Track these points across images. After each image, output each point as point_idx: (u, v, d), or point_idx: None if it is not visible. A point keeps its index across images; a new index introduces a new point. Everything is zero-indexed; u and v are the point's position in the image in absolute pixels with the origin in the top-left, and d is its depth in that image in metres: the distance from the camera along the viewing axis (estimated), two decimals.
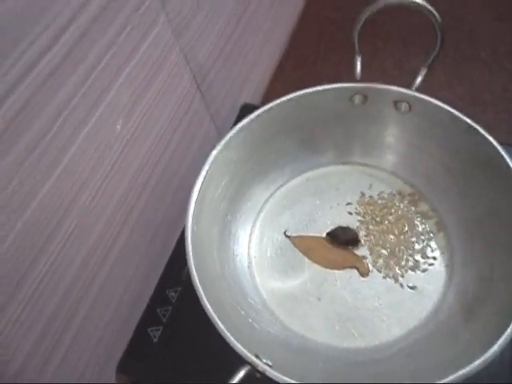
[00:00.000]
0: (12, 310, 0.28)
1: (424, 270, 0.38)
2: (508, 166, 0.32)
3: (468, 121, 0.34)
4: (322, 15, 0.72)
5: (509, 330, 0.26)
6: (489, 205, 0.35)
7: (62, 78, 0.28)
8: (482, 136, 0.33)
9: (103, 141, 0.33)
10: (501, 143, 0.41)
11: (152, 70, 0.37)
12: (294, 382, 0.27)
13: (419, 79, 0.37)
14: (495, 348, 0.25)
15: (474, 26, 0.63)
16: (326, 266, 0.39)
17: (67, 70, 0.28)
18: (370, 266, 0.38)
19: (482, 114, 0.55)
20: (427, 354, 0.32)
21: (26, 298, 0.29)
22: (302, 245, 0.41)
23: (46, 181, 0.29)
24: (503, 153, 0.32)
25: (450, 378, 0.25)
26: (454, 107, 0.57)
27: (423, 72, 0.37)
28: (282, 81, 0.65)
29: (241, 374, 0.27)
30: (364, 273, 0.38)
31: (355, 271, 0.38)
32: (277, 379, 0.27)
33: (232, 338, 0.28)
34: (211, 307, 0.30)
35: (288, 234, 0.41)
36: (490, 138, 0.33)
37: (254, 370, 0.28)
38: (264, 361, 0.29)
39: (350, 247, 0.39)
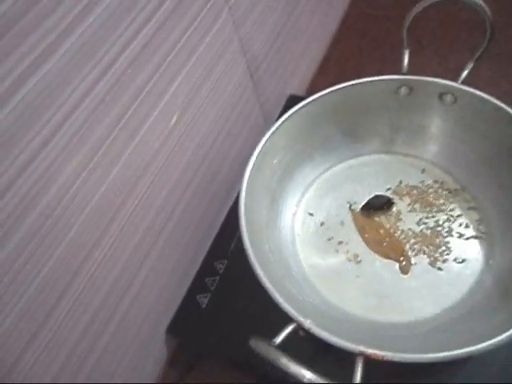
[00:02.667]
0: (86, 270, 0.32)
1: (461, 255, 0.39)
2: None
3: (510, 111, 0.36)
4: (366, 13, 0.74)
5: None
6: None
7: (136, 70, 0.31)
8: None
9: (162, 132, 0.37)
10: None
11: (213, 61, 0.41)
12: (339, 339, 0.29)
13: (465, 73, 0.39)
14: None
15: None
16: (372, 249, 0.41)
17: (143, 60, 0.32)
18: (409, 250, 0.40)
19: None
20: (462, 331, 0.34)
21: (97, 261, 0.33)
22: (360, 221, 0.43)
23: (111, 172, 0.32)
24: None
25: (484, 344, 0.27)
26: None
27: (470, 66, 0.39)
28: (325, 75, 0.68)
29: (287, 331, 0.30)
30: (404, 271, 0.39)
31: None
32: (323, 337, 0.30)
33: (281, 298, 0.31)
34: (262, 272, 0.33)
35: (352, 208, 0.44)
36: None
37: (299, 328, 0.31)
38: (308, 321, 0.32)
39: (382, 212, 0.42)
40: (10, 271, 0.26)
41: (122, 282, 0.36)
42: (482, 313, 0.35)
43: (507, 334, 0.28)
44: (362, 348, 0.29)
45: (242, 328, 0.41)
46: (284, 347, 0.30)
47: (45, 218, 0.27)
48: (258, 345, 0.26)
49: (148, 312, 0.41)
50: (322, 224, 0.44)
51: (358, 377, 0.27)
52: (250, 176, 0.38)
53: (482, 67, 0.60)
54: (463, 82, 0.39)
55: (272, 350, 0.25)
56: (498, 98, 0.57)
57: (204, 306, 0.43)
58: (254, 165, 0.39)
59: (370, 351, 0.28)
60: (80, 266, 0.31)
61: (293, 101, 0.43)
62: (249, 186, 0.38)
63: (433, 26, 0.67)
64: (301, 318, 0.31)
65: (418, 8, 0.37)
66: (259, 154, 0.39)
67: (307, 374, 0.24)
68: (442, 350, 0.30)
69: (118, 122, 0.31)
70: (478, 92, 0.38)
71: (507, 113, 0.36)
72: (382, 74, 0.42)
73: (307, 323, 0.30)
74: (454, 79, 0.39)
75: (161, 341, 0.44)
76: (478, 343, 0.28)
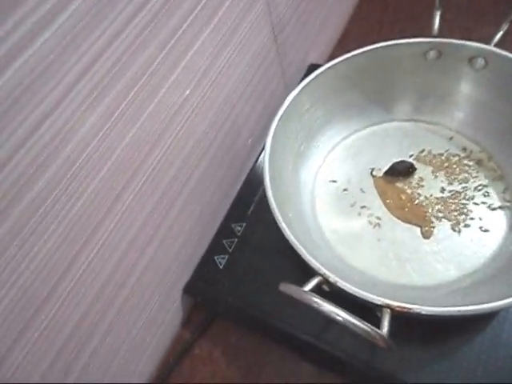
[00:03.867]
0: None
1: (484, 222, 0.39)
2: None
3: None
4: None
5: None
6: None
7: (158, 25, 0.31)
8: None
9: (186, 89, 0.36)
10: None
11: (237, 19, 0.40)
12: (365, 292, 0.29)
13: (499, 35, 0.38)
14: None
15: None
16: (394, 214, 0.41)
17: (160, 23, 0.31)
18: (431, 216, 0.40)
19: None
20: (484, 292, 0.34)
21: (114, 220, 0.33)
22: (381, 186, 0.42)
23: (123, 140, 0.31)
24: None
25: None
26: None
27: (504, 27, 0.38)
28: (345, 48, 0.66)
29: (315, 280, 0.30)
30: (426, 236, 0.39)
31: None
32: (348, 290, 0.30)
33: (305, 251, 0.31)
34: (288, 228, 0.33)
35: (374, 173, 0.43)
36: None
37: (324, 281, 0.31)
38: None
39: (405, 177, 0.42)
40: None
41: (140, 241, 0.36)
42: (504, 278, 0.35)
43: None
44: (388, 300, 0.29)
45: (259, 289, 0.41)
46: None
47: (65, 171, 0.27)
48: (290, 288, 0.25)
49: (165, 271, 0.41)
50: (343, 189, 0.43)
51: (385, 329, 0.27)
52: (273, 136, 0.38)
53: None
54: (496, 45, 0.38)
55: (304, 292, 0.25)
56: None
57: (222, 266, 0.43)
58: (277, 124, 0.38)
59: (396, 303, 0.28)
60: (99, 222, 0.31)
61: (313, 70, 0.43)
62: (273, 145, 0.38)
63: (456, 1, 0.66)
64: (326, 271, 0.31)
65: None
66: (283, 114, 0.38)
67: (342, 313, 0.24)
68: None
69: (141, 78, 0.31)
70: (510, 54, 0.37)
71: None
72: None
73: (333, 276, 0.30)
74: (486, 43, 0.38)
75: (177, 300, 0.44)
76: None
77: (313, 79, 0.40)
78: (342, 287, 0.30)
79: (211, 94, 0.40)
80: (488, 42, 0.39)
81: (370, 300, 0.29)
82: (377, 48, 0.41)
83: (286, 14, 0.48)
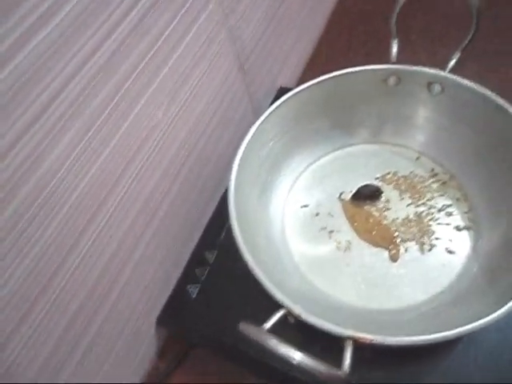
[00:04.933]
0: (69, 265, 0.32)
1: (449, 243, 0.40)
2: None
3: (498, 100, 0.36)
4: (355, 7, 0.74)
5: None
6: None
7: (119, 59, 0.31)
8: (510, 115, 0.35)
9: (150, 121, 0.36)
10: None
11: (201, 50, 0.40)
12: (328, 324, 0.29)
13: (452, 62, 0.39)
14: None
15: (508, 19, 0.64)
16: (362, 238, 0.41)
17: (124, 53, 0.31)
18: (398, 238, 0.41)
19: None
20: (451, 315, 0.35)
21: (81, 253, 0.32)
22: (349, 210, 0.43)
23: (94, 164, 0.31)
24: None
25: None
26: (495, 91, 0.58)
27: (457, 55, 0.39)
28: (315, 69, 0.68)
29: (278, 315, 0.30)
30: (394, 258, 0.40)
31: None
32: (312, 322, 0.30)
33: (269, 284, 0.31)
34: (253, 260, 0.33)
35: (342, 197, 0.44)
36: None
37: (289, 313, 0.31)
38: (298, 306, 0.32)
39: (371, 201, 0.42)
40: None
41: (110, 274, 0.36)
42: (469, 298, 0.35)
43: (492, 316, 0.28)
44: (350, 332, 0.29)
45: (231, 318, 0.40)
46: (274, 334, 0.30)
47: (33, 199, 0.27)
48: (248, 328, 0.25)
49: (137, 303, 0.41)
50: (312, 214, 0.44)
51: (347, 362, 0.28)
52: (239, 166, 0.38)
53: (470, 62, 0.61)
54: (451, 72, 0.40)
55: (261, 332, 0.25)
56: (495, 85, 0.57)
57: (194, 296, 0.43)
58: (242, 155, 0.39)
59: (358, 335, 0.28)
60: (65, 256, 0.31)
61: (283, 93, 0.43)
62: (238, 176, 0.38)
63: (421, 19, 0.68)
64: (290, 304, 0.31)
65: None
66: (247, 144, 0.39)
67: (297, 355, 0.24)
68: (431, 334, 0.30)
69: (102, 113, 0.31)
70: (464, 81, 0.38)
71: (493, 102, 0.37)
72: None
73: (296, 309, 0.30)
74: (442, 69, 0.40)
75: (151, 332, 0.44)
76: (465, 325, 0.29)
77: (277, 107, 0.41)
78: (305, 320, 0.30)
79: (179, 121, 0.40)
80: (444, 68, 0.40)
81: (332, 332, 0.29)
82: (338, 75, 0.42)
83: (251, 42, 0.49)
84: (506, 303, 0.29)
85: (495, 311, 0.29)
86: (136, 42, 0.32)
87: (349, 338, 0.29)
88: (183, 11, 0.36)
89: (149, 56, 0.34)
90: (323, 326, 0.29)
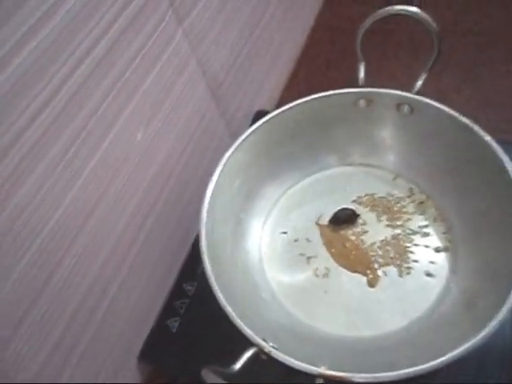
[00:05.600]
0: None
1: (427, 265, 0.39)
2: (502, 164, 0.33)
3: (465, 120, 0.36)
4: (334, 25, 0.75)
5: (500, 315, 0.27)
6: (487, 201, 0.36)
7: (88, 90, 0.32)
8: (478, 135, 0.35)
9: (123, 150, 0.36)
10: (504, 142, 0.42)
11: (169, 81, 0.41)
12: (298, 362, 0.29)
13: (419, 83, 0.39)
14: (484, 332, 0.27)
15: (482, 30, 0.64)
16: (339, 263, 0.41)
17: (94, 82, 0.32)
18: (376, 263, 0.40)
19: (492, 115, 0.56)
20: (429, 343, 0.34)
21: (54, 291, 0.32)
22: (326, 236, 0.43)
23: (68, 192, 0.32)
24: (497, 150, 0.34)
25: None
26: (461, 110, 0.58)
27: (423, 76, 0.39)
28: (295, 89, 0.68)
29: (247, 355, 0.29)
30: (372, 284, 0.39)
31: None
32: (282, 360, 0.29)
33: (240, 322, 0.31)
34: (223, 296, 0.33)
35: (319, 222, 0.44)
36: (486, 137, 0.35)
37: (260, 351, 0.30)
38: (271, 344, 0.31)
39: (349, 224, 0.42)
40: None
41: (86, 309, 0.35)
42: (447, 323, 0.35)
43: (466, 345, 0.28)
44: (321, 370, 0.28)
45: (212, 351, 0.40)
46: (250, 370, 0.29)
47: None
48: (208, 376, 0.25)
49: (116, 340, 0.40)
50: (289, 241, 0.43)
51: None
52: (210, 199, 0.38)
53: (445, 75, 0.61)
54: (419, 92, 0.40)
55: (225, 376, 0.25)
56: (462, 106, 0.58)
57: (174, 330, 0.42)
58: (214, 187, 0.39)
59: (328, 373, 0.28)
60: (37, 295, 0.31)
61: (260, 117, 0.43)
62: (210, 209, 0.38)
63: (398, 38, 0.68)
64: (260, 342, 0.30)
65: (367, 23, 0.38)
66: (219, 176, 0.39)
67: None
68: (410, 363, 0.29)
69: (71, 145, 0.31)
70: (431, 101, 0.38)
71: (461, 122, 0.36)
72: (351, 86, 0.42)
73: (267, 347, 0.30)
74: (410, 91, 0.40)
75: (133, 368, 0.43)
76: (440, 357, 0.28)
77: (248, 136, 0.41)
78: (276, 357, 0.29)
79: (152, 149, 0.40)
80: (412, 90, 0.40)
81: (302, 370, 0.28)
82: (308, 101, 0.42)
83: (223, 70, 0.49)
84: (483, 328, 0.29)
85: (472, 338, 0.28)
86: (101, 76, 0.33)
87: (319, 375, 0.28)
88: (149, 45, 0.37)
89: (117, 87, 0.34)
90: (292, 364, 0.29)
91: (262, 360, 0.31)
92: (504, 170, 0.33)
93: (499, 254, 0.34)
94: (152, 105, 0.39)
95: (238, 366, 0.28)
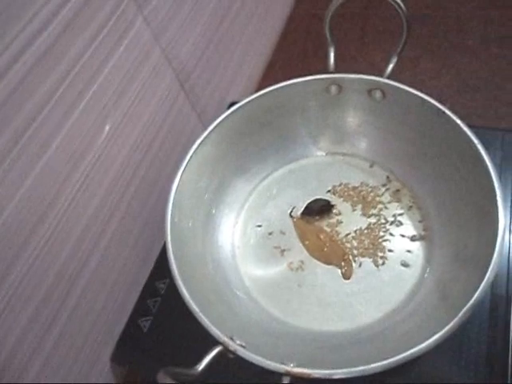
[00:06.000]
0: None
1: (403, 255, 0.38)
2: (476, 149, 0.32)
3: (437, 104, 0.35)
4: (310, 13, 0.73)
5: (469, 304, 0.26)
6: (462, 187, 0.35)
7: (40, 75, 0.30)
8: (451, 119, 0.34)
9: (82, 142, 0.35)
10: (480, 127, 0.41)
11: (132, 70, 0.39)
12: (264, 360, 0.27)
13: (390, 67, 0.38)
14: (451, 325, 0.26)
15: (461, 15, 0.63)
16: (313, 256, 0.40)
17: (46, 66, 0.30)
18: (351, 254, 0.39)
19: (470, 100, 0.55)
20: (404, 335, 0.33)
21: (15, 282, 0.31)
22: (301, 228, 0.41)
23: (25, 180, 0.30)
24: (469, 135, 0.33)
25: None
26: (440, 95, 0.57)
27: (394, 60, 0.38)
28: (272, 78, 0.66)
29: (212, 353, 0.28)
30: (346, 276, 0.38)
31: None
32: (248, 358, 0.28)
33: (205, 319, 0.30)
34: (187, 292, 0.31)
35: (292, 214, 0.42)
36: (458, 121, 0.34)
37: (226, 350, 0.29)
38: (238, 342, 0.30)
39: (323, 215, 0.41)
40: None
41: (50, 308, 0.34)
42: (422, 314, 0.34)
43: (437, 335, 0.27)
44: (288, 368, 0.27)
45: (185, 351, 0.39)
46: (218, 368, 0.28)
47: None
48: (165, 378, 0.23)
49: (85, 340, 0.39)
50: (263, 234, 0.42)
51: None
52: (177, 194, 0.36)
53: (425, 60, 0.60)
54: (390, 76, 0.38)
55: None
56: (442, 90, 0.57)
57: (146, 330, 0.41)
58: (181, 182, 0.37)
59: (295, 371, 0.27)
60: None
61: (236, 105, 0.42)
62: (177, 205, 0.36)
63: (375, 23, 0.67)
64: (226, 340, 0.29)
65: (334, 5, 0.36)
66: (185, 171, 0.37)
67: None
68: (385, 356, 0.28)
69: (21, 136, 0.29)
70: (401, 86, 0.37)
71: (433, 105, 0.35)
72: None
73: (232, 345, 0.29)
74: (381, 75, 0.38)
75: (106, 370, 0.42)
76: (412, 348, 0.27)
77: (213, 129, 0.39)
78: (242, 356, 0.28)
79: (117, 140, 0.38)
80: (383, 74, 0.38)
81: (268, 368, 0.27)
82: (278, 88, 0.41)
83: (191, 60, 0.47)
84: (456, 316, 0.28)
85: (445, 327, 0.27)
86: (53, 63, 0.31)
87: (286, 373, 0.27)
88: (104, 33, 0.35)
89: (73, 73, 0.33)
90: (259, 362, 0.27)
91: (231, 359, 0.30)
92: (477, 155, 0.32)
93: (473, 242, 0.33)
94: (114, 93, 0.37)
95: (201, 366, 0.27)
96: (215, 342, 0.30)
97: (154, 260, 0.46)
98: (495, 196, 0.31)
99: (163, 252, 0.46)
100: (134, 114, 0.40)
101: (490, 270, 0.28)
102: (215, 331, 0.29)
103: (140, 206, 0.44)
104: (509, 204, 0.38)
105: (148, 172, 0.44)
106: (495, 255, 0.29)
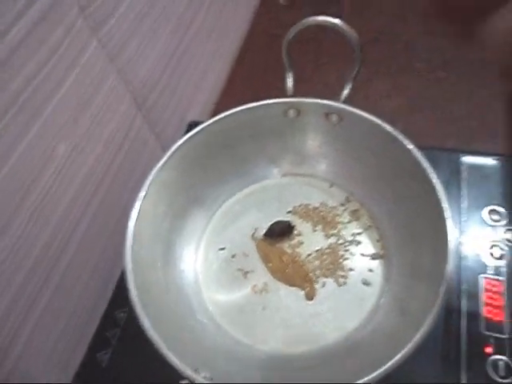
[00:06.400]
0: None
1: (363, 274, 0.39)
2: (425, 172, 0.34)
3: (388, 128, 0.36)
4: (269, 32, 0.74)
5: (419, 334, 0.28)
6: (415, 206, 0.37)
7: None
8: (402, 143, 0.36)
9: (36, 166, 0.33)
10: (432, 148, 0.43)
11: (88, 92, 0.38)
12: None
13: (345, 92, 0.39)
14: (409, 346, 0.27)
15: (409, 40, 0.67)
16: (276, 277, 0.40)
17: None
18: (313, 275, 0.39)
19: (419, 121, 0.58)
20: (366, 353, 0.34)
21: None
22: (263, 250, 0.41)
23: None
24: (419, 159, 0.34)
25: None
26: (392, 116, 0.60)
27: (348, 86, 0.39)
28: (231, 97, 0.67)
29: None
30: (309, 297, 0.38)
31: None
32: None
33: (169, 354, 0.29)
34: (150, 324, 0.30)
35: (255, 236, 0.42)
36: (409, 145, 0.35)
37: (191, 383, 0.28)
38: (203, 374, 0.29)
39: (284, 237, 0.42)
40: None
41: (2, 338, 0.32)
42: (383, 332, 0.35)
43: (400, 354, 0.27)
44: None
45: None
46: None
47: None
48: None
49: (40, 375, 0.36)
50: (226, 258, 0.42)
51: None
52: (136, 223, 0.35)
53: (377, 82, 0.63)
54: (345, 101, 0.40)
55: None
56: (394, 111, 0.59)
57: (104, 364, 0.39)
58: (140, 211, 0.36)
59: None
60: None
61: (193, 128, 0.41)
62: (137, 231, 0.35)
63: (330, 46, 0.69)
64: (190, 374, 0.28)
65: (291, 33, 0.37)
66: (144, 199, 0.36)
67: None
68: (351, 376, 0.28)
69: None
70: (355, 110, 0.38)
71: (384, 130, 0.37)
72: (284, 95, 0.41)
73: (198, 379, 0.28)
74: (337, 100, 0.40)
75: None
76: (376, 369, 0.28)
77: (172, 153, 0.39)
78: None
79: (72, 165, 0.37)
80: (339, 98, 0.40)
81: None
82: (236, 112, 0.41)
83: (149, 81, 0.47)
84: (414, 336, 0.29)
85: (408, 344, 0.28)
86: (3, 85, 0.29)
87: None
88: (57, 56, 0.34)
89: (23, 97, 0.31)
90: None
91: None
92: (426, 176, 0.34)
93: (427, 259, 0.34)
94: (70, 116, 0.36)
95: None
96: (180, 376, 0.29)
97: (112, 288, 0.44)
98: (443, 213, 0.32)
99: (122, 279, 0.44)
100: (90, 138, 0.39)
101: (442, 286, 0.30)
102: (179, 365, 0.28)
103: (98, 233, 0.42)
104: (454, 221, 0.41)
105: (106, 198, 0.42)
106: (446, 272, 0.30)
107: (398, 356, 0.28)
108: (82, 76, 0.37)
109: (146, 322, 0.30)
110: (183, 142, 0.39)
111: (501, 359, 0.34)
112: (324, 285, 0.39)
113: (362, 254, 0.40)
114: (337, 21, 0.35)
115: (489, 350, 0.34)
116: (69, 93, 0.36)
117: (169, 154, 0.39)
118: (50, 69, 0.33)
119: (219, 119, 0.41)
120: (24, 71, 0.31)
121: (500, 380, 0.33)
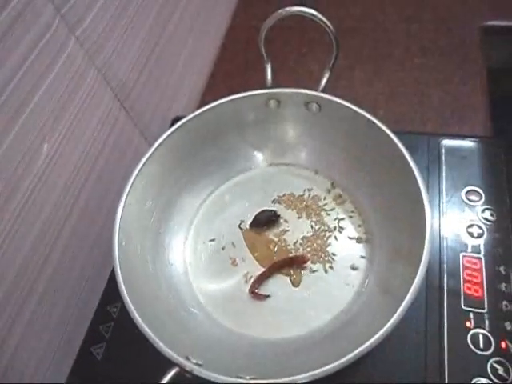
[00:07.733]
0: None
1: (348, 258, 0.40)
2: (402, 154, 0.35)
3: (366, 115, 0.37)
4: (249, 24, 0.75)
5: (401, 307, 0.29)
6: (394, 191, 0.38)
7: None
8: (380, 129, 0.37)
9: (19, 166, 0.34)
10: (410, 132, 0.44)
11: (68, 90, 0.38)
12: (222, 376, 0.28)
13: (324, 81, 0.40)
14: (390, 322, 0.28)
15: (387, 27, 0.68)
16: (264, 266, 0.41)
17: None
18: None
19: (399, 106, 0.59)
20: (351, 335, 0.35)
21: None
22: (250, 239, 0.42)
23: None
24: (397, 142, 0.35)
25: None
26: (373, 103, 0.61)
27: (327, 74, 0.40)
28: (214, 91, 0.67)
29: (169, 375, 0.28)
30: (295, 283, 0.39)
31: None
32: (205, 377, 0.28)
33: (159, 342, 0.30)
34: (139, 315, 0.31)
35: (241, 226, 0.43)
36: (387, 130, 0.36)
37: (182, 370, 0.29)
38: (194, 361, 0.30)
39: (270, 226, 0.42)
40: None
41: None
42: (368, 311, 0.36)
43: (383, 330, 0.29)
44: (244, 381, 0.28)
45: (141, 374, 0.38)
46: None
47: None
48: None
49: (35, 372, 0.37)
50: (214, 248, 0.43)
51: None
52: (122, 218, 0.36)
53: (357, 70, 0.64)
54: (324, 90, 0.40)
55: None
56: (375, 98, 0.60)
57: (100, 357, 0.40)
58: (126, 205, 0.37)
59: (252, 383, 0.27)
60: None
61: (177, 122, 0.42)
62: (124, 226, 0.36)
63: (312, 35, 0.69)
64: (181, 361, 0.29)
65: (267, 24, 0.38)
66: (129, 193, 0.37)
67: None
68: (339, 356, 0.29)
69: None
70: (335, 99, 0.39)
71: (363, 116, 0.38)
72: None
73: (188, 365, 0.29)
74: (316, 89, 0.40)
75: None
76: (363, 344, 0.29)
77: (158, 146, 0.39)
78: (199, 375, 0.28)
79: (55, 165, 0.37)
80: (318, 88, 0.40)
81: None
82: (218, 104, 0.41)
83: (130, 78, 0.47)
84: (396, 311, 0.30)
85: (389, 320, 0.29)
86: None
87: None
88: (34, 55, 0.34)
89: (2, 99, 0.31)
90: (216, 380, 0.28)
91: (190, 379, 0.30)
92: (404, 161, 0.35)
93: (407, 241, 0.35)
94: (50, 116, 0.36)
95: None
96: (171, 363, 0.30)
97: (104, 284, 0.44)
98: (421, 196, 0.34)
99: (113, 275, 0.44)
100: (72, 136, 0.39)
101: (422, 263, 0.31)
102: (170, 353, 0.29)
103: (87, 229, 0.43)
104: (435, 203, 0.42)
105: (92, 194, 0.43)
106: (425, 250, 0.31)
107: (383, 330, 0.29)
108: (61, 75, 0.37)
109: (136, 315, 0.31)
110: (167, 136, 0.40)
111: (480, 333, 0.35)
112: (311, 271, 0.40)
113: (347, 238, 0.41)
114: (311, 10, 0.36)
115: (469, 324, 0.35)
116: (49, 91, 0.36)
117: (153, 148, 0.39)
118: (26, 71, 0.33)
119: (202, 112, 0.41)
120: (1, 72, 0.31)
121: (480, 352, 0.34)
